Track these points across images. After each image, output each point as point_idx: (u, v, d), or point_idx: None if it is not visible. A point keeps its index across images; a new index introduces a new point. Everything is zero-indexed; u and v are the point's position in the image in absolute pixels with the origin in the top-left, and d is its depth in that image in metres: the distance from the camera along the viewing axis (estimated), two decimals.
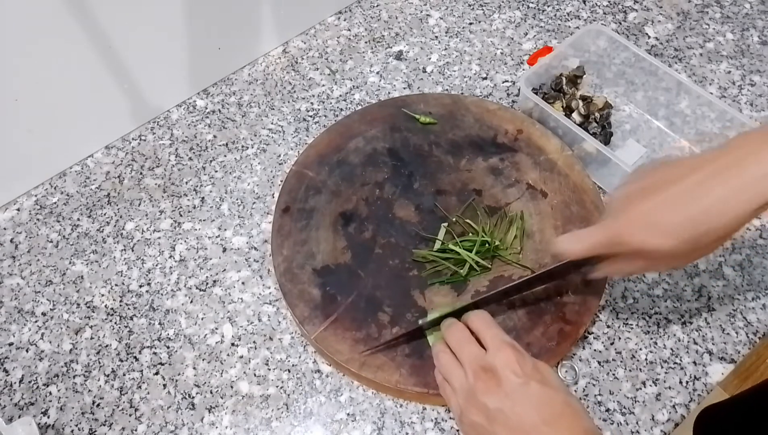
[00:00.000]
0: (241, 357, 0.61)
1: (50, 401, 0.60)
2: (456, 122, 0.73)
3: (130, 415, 0.59)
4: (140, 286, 0.66)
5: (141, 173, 0.74)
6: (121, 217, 0.71)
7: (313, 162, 0.70)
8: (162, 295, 0.65)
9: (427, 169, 0.70)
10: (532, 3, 0.88)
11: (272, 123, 0.77)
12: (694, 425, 0.90)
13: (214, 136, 0.77)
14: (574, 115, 0.73)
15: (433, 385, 0.55)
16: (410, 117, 0.73)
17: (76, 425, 0.58)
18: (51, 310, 0.65)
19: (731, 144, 0.45)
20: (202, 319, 0.64)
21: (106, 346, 0.63)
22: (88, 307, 0.65)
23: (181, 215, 0.71)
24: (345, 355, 0.58)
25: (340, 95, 0.79)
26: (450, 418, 0.58)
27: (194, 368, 0.61)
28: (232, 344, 0.62)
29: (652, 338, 0.62)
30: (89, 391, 0.60)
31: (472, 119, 0.73)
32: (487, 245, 0.63)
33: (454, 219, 0.66)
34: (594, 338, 0.62)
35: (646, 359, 0.60)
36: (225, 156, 0.75)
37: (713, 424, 0.89)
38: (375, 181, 0.69)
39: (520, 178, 0.68)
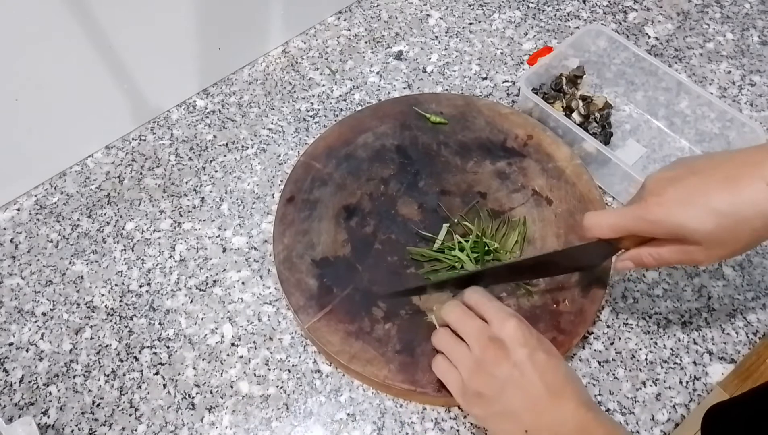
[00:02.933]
0: (241, 357, 0.61)
1: (50, 401, 0.60)
2: (467, 124, 0.73)
3: (130, 415, 0.59)
4: (140, 286, 0.66)
5: (141, 173, 0.74)
6: (121, 217, 0.71)
7: (322, 154, 0.70)
8: (162, 295, 0.65)
9: (434, 169, 0.70)
10: (532, 3, 0.88)
11: (272, 123, 0.77)
12: (701, 423, 0.90)
13: (214, 136, 0.77)
14: (574, 115, 0.73)
15: (422, 383, 0.56)
16: (421, 116, 0.73)
17: (76, 425, 0.58)
18: (51, 310, 0.65)
19: None
20: (202, 319, 0.64)
21: (106, 346, 0.63)
22: (88, 307, 0.65)
23: (181, 215, 0.71)
24: (336, 346, 0.58)
25: (340, 95, 0.79)
26: (450, 418, 0.58)
27: (194, 368, 0.61)
28: (232, 344, 0.62)
29: (652, 338, 0.61)
30: (89, 391, 0.60)
31: (483, 122, 0.73)
32: (486, 247, 0.63)
33: (456, 220, 0.66)
34: (594, 338, 0.62)
35: (646, 359, 0.60)
36: (225, 156, 0.75)
37: (722, 422, 0.88)
38: (381, 176, 0.69)
39: (527, 184, 0.68)
